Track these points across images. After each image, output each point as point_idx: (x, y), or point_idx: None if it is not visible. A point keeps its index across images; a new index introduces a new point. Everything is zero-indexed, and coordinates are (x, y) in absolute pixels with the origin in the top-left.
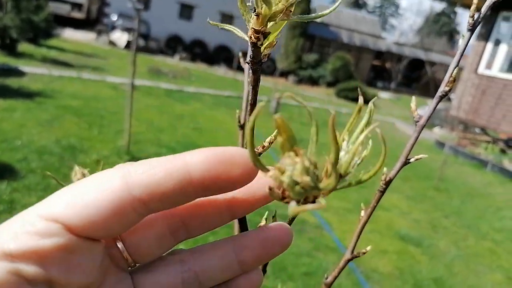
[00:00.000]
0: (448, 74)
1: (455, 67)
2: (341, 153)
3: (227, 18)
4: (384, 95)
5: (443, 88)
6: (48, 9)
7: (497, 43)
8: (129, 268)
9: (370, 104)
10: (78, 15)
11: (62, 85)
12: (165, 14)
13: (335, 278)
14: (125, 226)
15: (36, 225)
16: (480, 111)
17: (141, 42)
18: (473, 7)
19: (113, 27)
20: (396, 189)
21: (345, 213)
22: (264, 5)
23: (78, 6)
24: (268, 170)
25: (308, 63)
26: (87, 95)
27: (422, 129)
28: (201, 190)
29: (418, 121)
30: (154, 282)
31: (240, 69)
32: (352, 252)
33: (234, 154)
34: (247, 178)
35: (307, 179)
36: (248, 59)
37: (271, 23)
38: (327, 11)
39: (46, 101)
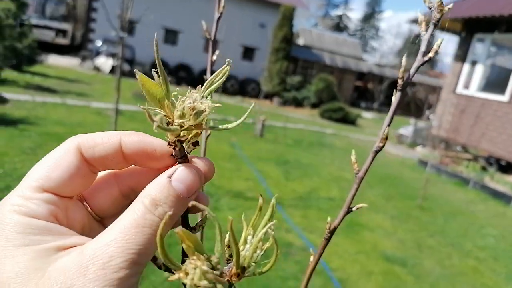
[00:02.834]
0: (381, 132)
1: (388, 126)
2: (246, 246)
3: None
4: (367, 115)
5: (377, 144)
6: (32, 36)
7: (474, 63)
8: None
9: (273, 200)
10: (62, 41)
11: (46, 112)
12: (150, 39)
13: None
14: (84, 183)
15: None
16: (460, 129)
17: (126, 67)
18: (401, 69)
19: (97, 53)
20: (380, 209)
21: None
22: (169, 132)
23: (63, 32)
24: (179, 268)
25: (292, 85)
26: (71, 121)
27: (361, 181)
28: (129, 159)
29: (357, 173)
30: (100, 202)
31: (225, 92)
32: None
33: (155, 146)
34: (162, 165)
35: (204, 283)
36: (174, 154)
37: (187, 131)
38: (232, 124)
39: (30, 128)
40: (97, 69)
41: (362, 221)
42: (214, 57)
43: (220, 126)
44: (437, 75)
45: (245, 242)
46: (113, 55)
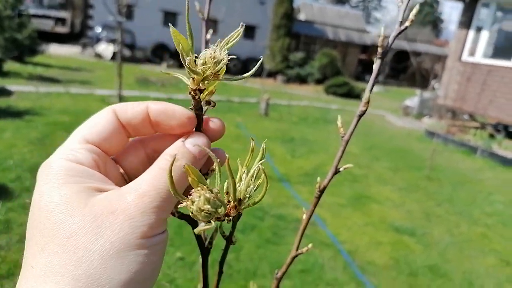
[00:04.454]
0: (365, 97)
1: (370, 91)
2: (241, 183)
3: (211, 23)
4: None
5: (360, 108)
6: (31, 26)
7: (479, 29)
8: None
9: (263, 145)
10: (62, 29)
11: (51, 102)
12: (149, 23)
13: (284, 273)
14: (120, 142)
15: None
16: (466, 98)
17: (127, 53)
18: (381, 38)
19: (98, 39)
20: (388, 181)
21: (338, 208)
22: (195, 75)
23: (62, 21)
24: (185, 199)
25: (295, 62)
26: (76, 110)
27: (347, 143)
28: (155, 124)
29: (343, 137)
30: (129, 163)
31: (227, 72)
32: (297, 249)
33: (176, 110)
34: (182, 127)
35: (207, 207)
36: (192, 105)
37: (206, 82)
38: (246, 74)
39: (35, 119)
40: (98, 56)
41: (370, 194)
42: (208, 36)
43: (233, 77)
44: (442, 43)
45: (240, 179)
46: (113, 41)
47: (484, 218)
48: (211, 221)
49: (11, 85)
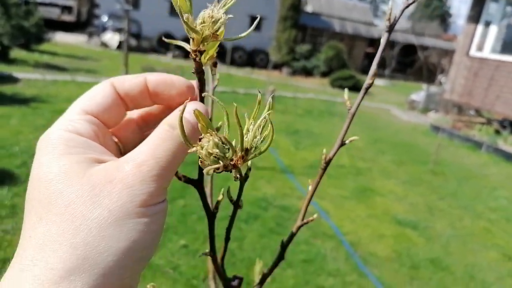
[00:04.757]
0: (372, 69)
1: (377, 65)
2: (248, 134)
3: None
4: (378, 82)
5: (367, 81)
6: (38, 14)
7: (487, 24)
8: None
9: (270, 99)
10: (68, 18)
11: (57, 90)
12: (156, 12)
13: (289, 242)
14: (118, 114)
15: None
16: (473, 93)
17: (133, 42)
18: (388, 11)
19: (104, 28)
20: (392, 175)
21: (341, 200)
22: (194, 33)
23: (68, 9)
24: (192, 146)
25: (301, 54)
26: None
27: (353, 116)
28: (153, 95)
29: (349, 109)
30: (123, 137)
31: (233, 63)
32: (302, 219)
33: (174, 80)
34: (181, 96)
35: (216, 150)
36: (194, 67)
37: (206, 43)
38: (245, 33)
39: (42, 106)
40: (104, 45)
41: (373, 187)
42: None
43: (233, 37)
44: (450, 38)
45: (248, 131)
46: (120, 30)
47: (487, 213)
48: (219, 168)
49: (18, 72)
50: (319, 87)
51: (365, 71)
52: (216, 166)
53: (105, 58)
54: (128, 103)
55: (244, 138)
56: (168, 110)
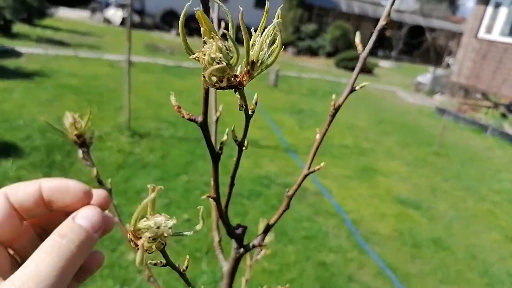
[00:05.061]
0: (385, 11)
1: (390, 8)
2: (254, 47)
3: None
4: (384, 64)
5: (381, 23)
6: None
7: (497, 6)
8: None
9: (279, 10)
10: None
11: (59, 65)
12: None
13: (295, 191)
14: (14, 227)
15: None
16: (480, 76)
17: (136, 18)
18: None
19: (107, 4)
20: (396, 156)
21: (344, 179)
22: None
23: None
24: (194, 53)
25: (306, 33)
26: (85, 73)
27: (365, 60)
28: (48, 204)
29: (361, 53)
30: (20, 246)
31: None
32: (309, 168)
33: (70, 186)
34: (76, 203)
35: (219, 54)
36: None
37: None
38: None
39: (45, 81)
40: (107, 21)
41: (377, 167)
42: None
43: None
44: (458, 20)
45: (254, 44)
46: (123, 6)
47: (491, 195)
48: (223, 80)
49: (21, 47)
50: (324, 68)
51: (371, 52)
52: (220, 66)
53: (108, 34)
54: (23, 213)
55: (250, 51)
56: (66, 214)
